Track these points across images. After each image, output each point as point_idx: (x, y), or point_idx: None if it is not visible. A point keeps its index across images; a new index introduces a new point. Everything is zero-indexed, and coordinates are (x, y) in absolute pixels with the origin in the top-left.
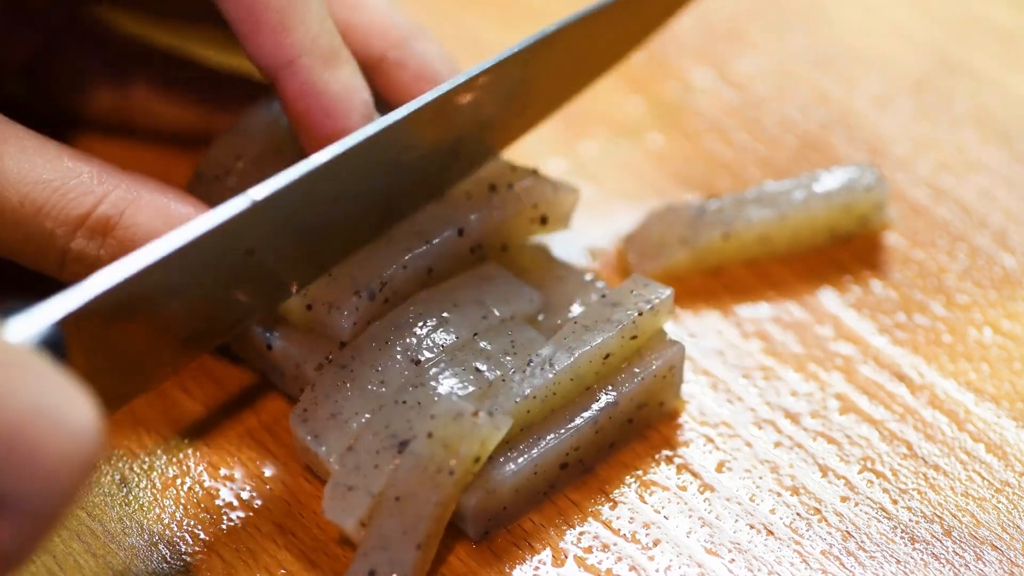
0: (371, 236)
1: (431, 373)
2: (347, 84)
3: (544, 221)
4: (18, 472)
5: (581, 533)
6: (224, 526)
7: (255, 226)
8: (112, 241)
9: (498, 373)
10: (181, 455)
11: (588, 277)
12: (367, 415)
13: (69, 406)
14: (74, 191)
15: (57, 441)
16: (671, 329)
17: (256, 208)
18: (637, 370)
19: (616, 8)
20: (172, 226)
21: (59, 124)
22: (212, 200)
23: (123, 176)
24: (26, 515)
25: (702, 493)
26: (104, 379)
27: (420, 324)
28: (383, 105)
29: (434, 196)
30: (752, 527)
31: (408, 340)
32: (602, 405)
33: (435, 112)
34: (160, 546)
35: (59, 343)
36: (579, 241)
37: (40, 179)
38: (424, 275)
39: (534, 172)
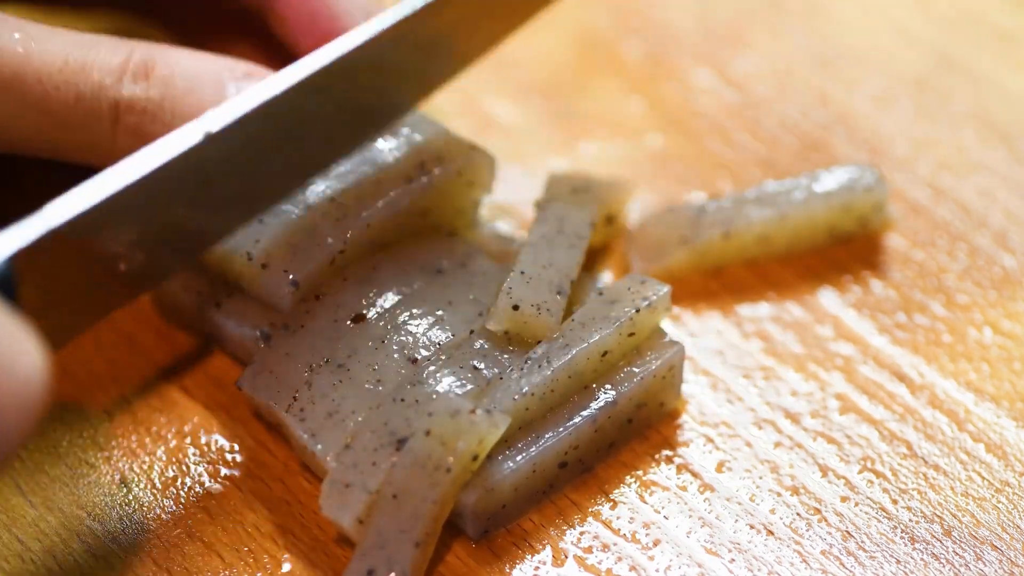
0: (310, 176)
1: (429, 371)
2: None
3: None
4: None
5: (581, 533)
6: (224, 526)
7: (206, 159)
8: (157, 80)
9: (496, 371)
10: (181, 455)
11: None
12: (364, 414)
13: (17, 349)
14: (106, 46)
15: (5, 384)
16: (671, 329)
17: (208, 140)
18: (636, 370)
19: None
20: (201, 62)
21: None
22: None
23: (134, 40)
24: None
25: (702, 493)
26: (53, 313)
27: (416, 322)
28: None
29: (368, 136)
30: (752, 527)
31: (404, 338)
32: (601, 404)
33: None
34: (160, 546)
35: (10, 278)
36: None
37: (72, 43)
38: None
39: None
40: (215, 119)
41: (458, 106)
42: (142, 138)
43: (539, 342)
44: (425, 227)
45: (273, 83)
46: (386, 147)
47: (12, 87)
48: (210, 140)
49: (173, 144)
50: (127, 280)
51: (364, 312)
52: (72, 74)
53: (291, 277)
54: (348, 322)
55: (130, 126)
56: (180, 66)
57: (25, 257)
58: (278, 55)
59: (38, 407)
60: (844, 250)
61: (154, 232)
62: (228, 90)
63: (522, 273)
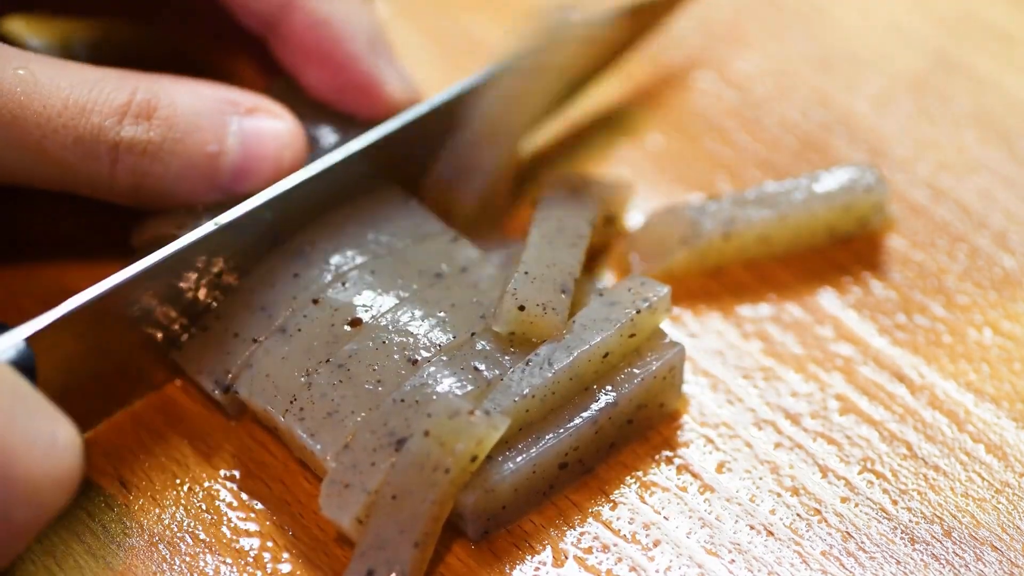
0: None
1: (429, 372)
2: (347, 9)
3: None
4: (1, 489)
5: (581, 534)
6: (224, 526)
7: (220, 247)
8: (158, 121)
9: (497, 372)
10: (181, 455)
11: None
12: (364, 414)
13: (51, 427)
14: (109, 86)
15: (40, 461)
16: (671, 330)
17: (221, 230)
18: (637, 371)
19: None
20: (203, 100)
21: None
22: None
23: (140, 73)
24: (5, 529)
25: (702, 494)
26: (76, 397)
27: (417, 324)
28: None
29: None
30: (752, 528)
31: (405, 339)
32: (601, 405)
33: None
34: (160, 546)
35: (29, 362)
36: None
37: (75, 82)
38: None
39: None
40: (227, 213)
41: None
42: (141, 176)
43: (542, 343)
44: None
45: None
46: None
47: (11, 130)
48: (224, 228)
49: (186, 237)
50: (150, 366)
51: (361, 317)
52: (71, 118)
53: None
54: (345, 327)
55: (129, 166)
56: (182, 104)
57: (43, 340)
58: (278, 72)
59: (71, 483)
60: (844, 251)
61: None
62: (230, 127)
63: (526, 273)
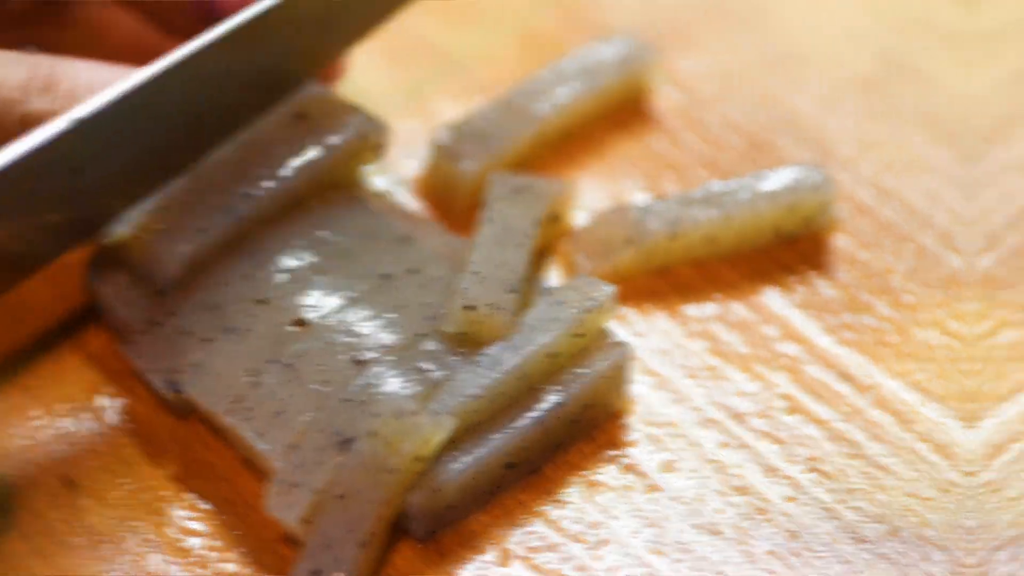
0: (193, 160)
1: (375, 372)
2: None
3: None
4: None
5: (528, 533)
6: (170, 526)
7: (80, 145)
8: (62, 94)
9: (444, 373)
10: (127, 455)
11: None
12: (311, 414)
13: None
14: (9, 64)
15: None
16: (618, 329)
17: (80, 126)
18: (584, 371)
19: None
20: (102, 75)
21: None
22: None
23: (34, 55)
24: None
25: (648, 493)
26: None
27: (365, 324)
28: None
29: (248, 120)
30: (698, 527)
31: (352, 340)
32: (549, 405)
33: (250, 31)
34: (105, 545)
35: None
36: None
37: None
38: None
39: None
40: (86, 106)
41: (403, 106)
42: None
43: (490, 343)
44: (321, 188)
45: (151, 67)
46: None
47: None
48: (81, 125)
49: (43, 131)
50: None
51: (308, 317)
52: None
53: (181, 248)
54: (292, 327)
55: None
56: (83, 79)
57: None
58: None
59: None
60: (790, 250)
61: (30, 222)
62: None
63: (475, 273)
